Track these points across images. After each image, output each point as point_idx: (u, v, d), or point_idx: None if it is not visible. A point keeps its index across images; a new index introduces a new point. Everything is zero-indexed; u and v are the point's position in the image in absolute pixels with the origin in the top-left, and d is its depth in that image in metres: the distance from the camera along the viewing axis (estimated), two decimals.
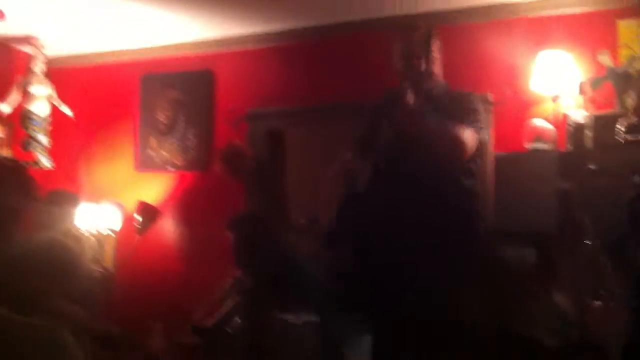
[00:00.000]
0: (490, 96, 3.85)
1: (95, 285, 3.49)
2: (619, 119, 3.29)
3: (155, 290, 4.63)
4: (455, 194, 2.65)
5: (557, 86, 3.57)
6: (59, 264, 2.16)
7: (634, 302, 2.64)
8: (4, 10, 4.34)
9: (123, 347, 2.59)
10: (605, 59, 3.56)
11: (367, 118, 2.80)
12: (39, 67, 4.96)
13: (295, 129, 4.53)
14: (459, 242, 2.64)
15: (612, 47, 3.61)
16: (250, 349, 2.91)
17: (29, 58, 5.00)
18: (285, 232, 3.17)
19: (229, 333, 2.90)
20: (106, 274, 4.44)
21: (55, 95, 5.02)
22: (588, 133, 3.26)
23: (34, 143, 4.86)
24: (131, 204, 4.70)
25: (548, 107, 3.66)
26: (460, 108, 2.62)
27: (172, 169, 4.94)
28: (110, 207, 4.70)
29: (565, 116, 3.49)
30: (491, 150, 3.78)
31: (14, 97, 4.87)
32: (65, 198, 3.68)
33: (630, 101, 3.35)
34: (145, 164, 5.06)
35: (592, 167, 3.12)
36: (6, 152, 5.13)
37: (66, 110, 5.03)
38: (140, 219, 4.54)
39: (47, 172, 4.82)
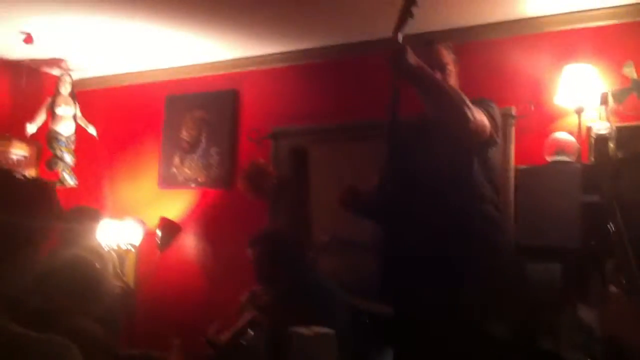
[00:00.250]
0: (514, 110, 3.82)
1: (117, 302, 3.48)
2: None
3: (176, 306, 4.64)
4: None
5: (581, 99, 3.52)
6: (82, 281, 2.17)
7: None
8: (33, 34, 4.44)
9: None
10: (630, 71, 3.51)
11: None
12: (65, 88, 5.05)
13: (319, 147, 4.52)
14: (481, 254, 2.61)
15: (638, 59, 3.55)
16: None
17: (56, 80, 5.10)
18: (308, 249, 3.14)
19: (244, 346, 2.87)
20: (127, 289, 4.45)
21: (80, 115, 5.10)
22: (611, 145, 3.20)
23: (59, 162, 4.94)
24: (154, 220, 4.73)
25: (572, 121, 3.61)
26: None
27: (195, 186, 4.96)
28: (133, 224, 4.72)
29: (588, 129, 3.43)
30: (513, 164, 3.74)
31: (41, 117, 4.96)
32: (88, 214, 3.70)
33: None
34: (168, 182, 5.10)
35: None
36: (33, 171, 5.23)
37: (92, 130, 5.10)
38: (161, 235, 4.56)
39: (72, 190, 4.89)
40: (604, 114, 3.42)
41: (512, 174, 3.72)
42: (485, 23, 3.99)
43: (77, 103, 5.11)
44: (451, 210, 2.58)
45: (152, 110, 5.23)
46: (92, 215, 3.71)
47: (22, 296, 1.73)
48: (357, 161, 4.07)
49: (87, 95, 5.31)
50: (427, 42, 2.83)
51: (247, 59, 4.84)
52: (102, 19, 4.17)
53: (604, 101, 3.40)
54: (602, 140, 3.20)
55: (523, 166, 3.66)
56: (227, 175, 4.83)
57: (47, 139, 4.99)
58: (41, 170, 5.18)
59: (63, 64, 5.16)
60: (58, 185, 4.84)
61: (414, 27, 2.41)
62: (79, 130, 5.09)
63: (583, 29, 3.77)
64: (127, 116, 5.36)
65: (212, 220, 4.85)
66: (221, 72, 4.99)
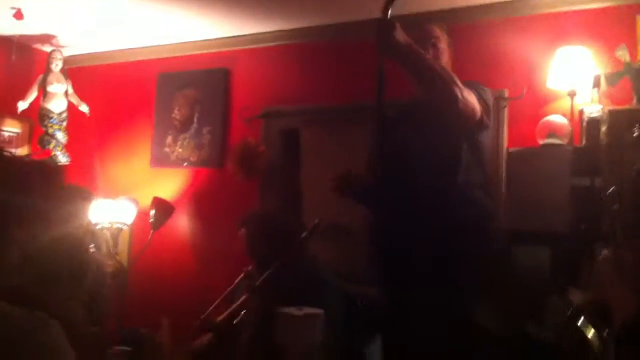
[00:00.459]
0: (507, 93, 3.81)
1: (106, 280, 3.49)
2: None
3: (169, 285, 4.66)
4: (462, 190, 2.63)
5: (574, 82, 3.52)
6: (65, 259, 2.16)
7: None
8: (23, 11, 4.39)
9: None
10: (623, 54, 3.48)
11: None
12: (56, 65, 5.01)
13: (310, 128, 4.51)
14: (468, 239, 2.62)
15: (631, 43, 3.54)
16: (255, 341, 2.90)
17: (47, 56, 5.06)
18: (298, 231, 3.15)
19: (237, 327, 2.88)
20: (120, 268, 4.46)
21: (72, 92, 5.07)
22: (603, 128, 3.20)
23: (52, 140, 4.91)
24: (146, 199, 4.72)
25: (565, 104, 3.60)
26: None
27: (187, 166, 4.95)
28: (126, 203, 4.72)
29: (581, 112, 3.42)
30: (506, 148, 3.74)
31: (32, 94, 4.94)
32: (79, 193, 3.69)
33: None
34: (160, 161, 5.08)
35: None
36: (26, 149, 5.21)
37: (84, 108, 5.08)
38: (154, 214, 4.56)
39: (63, 168, 4.87)
40: (596, 97, 3.41)
41: (504, 157, 3.72)
42: (477, 4, 3.95)
43: (68, 80, 5.08)
44: (439, 196, 2.58)
45: (144, 88, 5.20)
46: (83, 194, 3.69)
47: (6, 274, 1.72)
48: (350, 143, 4.06)
49: (77, 73, 5.27)
50: (419, 23, 2.83)
51: (239, 37, 4.79)
52: None
53: (597, 84, 3.39)
54: (593, 123, 3.19)
55: (514, 148, 3.67)
56: (219, 154, 4.81)
57: (38, 116, 4.95)
58: (33, 147, 5.16)
59: (54, 41, 5.12)
60: (50, 164, 4.82)
61: (404, 8, 2.39)
62: (71, 107, 5.06)
63: (576, 11, 3.74)
64: (118, 94, 5.33)
65: (204, 200, 4.84)
66: (213, 50, 4.94)
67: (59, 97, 5.00)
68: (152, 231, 4.59)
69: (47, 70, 5.00)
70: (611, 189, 2.75)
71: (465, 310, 2.59)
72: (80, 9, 4.39)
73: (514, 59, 3.86)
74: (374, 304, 3.00)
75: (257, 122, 4.67)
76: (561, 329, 2.73)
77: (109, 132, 5.31)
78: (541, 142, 3.52)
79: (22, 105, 4.88)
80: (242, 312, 2.89)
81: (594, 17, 3.70)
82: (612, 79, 3.47)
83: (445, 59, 2.81)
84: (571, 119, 3.51)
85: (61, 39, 5.10)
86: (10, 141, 5.14)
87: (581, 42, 3.61)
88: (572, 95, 3.53)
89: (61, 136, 4.95)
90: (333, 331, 2.46)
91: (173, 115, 5.04)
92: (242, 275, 3.29)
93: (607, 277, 2.47)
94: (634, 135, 2.99)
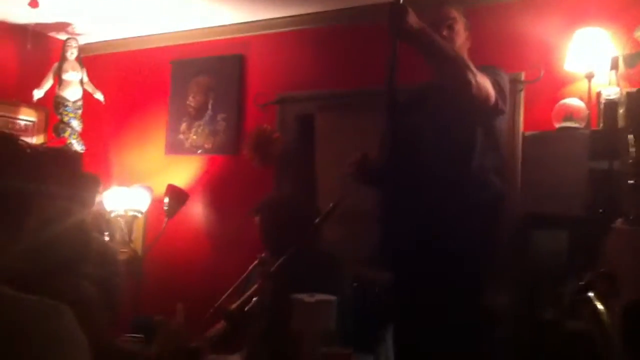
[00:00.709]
0: (523, 75, 3.76)
1: (119, 266, 3.50)
2: None
3: (183, 272, 4.67)
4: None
5: (591, 64, 3.45)
6: (72, 243, 2.16)
7: None
8: None
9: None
10: None
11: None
12: (72, 53, 5.02)
13: (325, 113, 4.48)
14: (482, 224, 2.60)
15: None
16: (268, 328, 2.89)
17: (62, 45, 5.06)
18: (313, 216, 3.13)
19: (251, 314, 2.87)
20: (135, 255, 4.47)
21: (87, 80, 5.08)
22: (620, 110, 3.14)
23: (67, 128, 4.93)
24: (161, 187, 4.72)
25: (582, 86, 3.54)
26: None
27: (202, 153, 4.95)
28: (140, 190, 4.72)
29: (598, 94, 3.37)
30: (522, 131, 3.69)
31: (48, 82, 4.95)
32: (91, 180, 3.70)
33: None
34: (175, 148, 5.08)
35: None
36: (42, 137, 5.24)
37: (99, 96, 5.09)
38: (169, 202, 4.57)
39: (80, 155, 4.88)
40: (614, 79, 3.35)
41: (520, 141, 3.67)
42: None
43: (84, 68, 5.08)
44: (452, 180, 2.55)
45: (159, 76, 5.19)
46: (94, 182, 3.70)
47: (15, 261, 1.72)
48: (365, 128, 4.02)
49: (93, 60, 5.28)
50: (435, 6, 2.80)
51: (253, 23, 4.76)
52: None
53: (615, 66, 3.33)
54: (611, 105, 3.13)
55: (530, 132, 3.62)
56: (233, 141, 4.80)
57: (54, 104, 4.97)
58: (49, 136, 5.18)
59: (69, 29, 5.13)
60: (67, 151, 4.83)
61: None
62: (86, 95, 5.07)
63: None
64: (133, 82, 5.33)
65: (219, 187, 4.83)
66: (227, 37, 4.92)
67: (74, 85, 5.01)
68: (166, 219, 4.60)
69: (62, 59, 5.01)
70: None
71: (479, 294, 2.57)
72: None
73: (531, 41, 3.80)
74: (389, 289, 2.99)
75: (272, 108, 4.65)
76: (572, 303, 2.70)
77: (124, 120, 5.32)
78: (558, 125, 3.47)
79: (37, 94, 4.90)
80: (254, 299, 2.88)
81: None
82: (630, 60, 3.40)
83: (462, 40, 2.77)
84: (588, 101, 3.46)
85: (76, 27, 5.11)
86: (26, 130, 5.16)
87: (599, 23, 3.54)
88: (589, 77, 3.46)
89: (76, 124, 4.97)
90: (344, 315, 2.44)
91: (187, 102, 5.04)
92: (256, 262, 3.27)
93: (618, 250, 2.43)
94: None
